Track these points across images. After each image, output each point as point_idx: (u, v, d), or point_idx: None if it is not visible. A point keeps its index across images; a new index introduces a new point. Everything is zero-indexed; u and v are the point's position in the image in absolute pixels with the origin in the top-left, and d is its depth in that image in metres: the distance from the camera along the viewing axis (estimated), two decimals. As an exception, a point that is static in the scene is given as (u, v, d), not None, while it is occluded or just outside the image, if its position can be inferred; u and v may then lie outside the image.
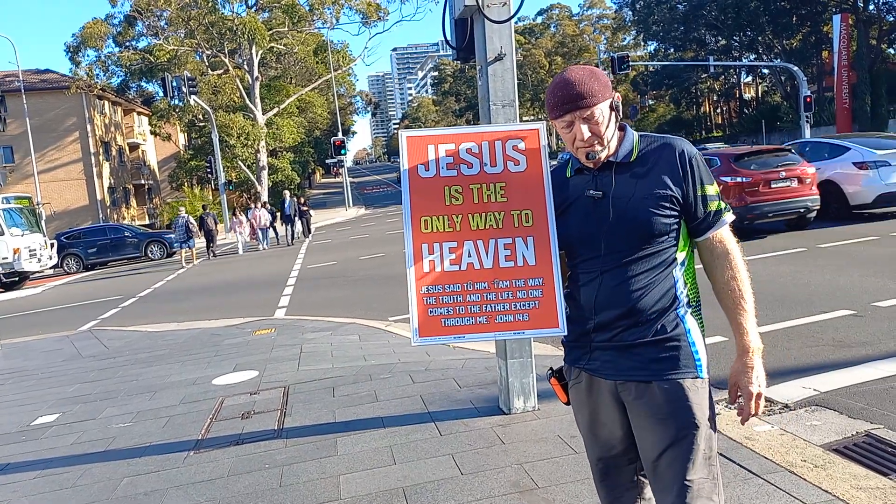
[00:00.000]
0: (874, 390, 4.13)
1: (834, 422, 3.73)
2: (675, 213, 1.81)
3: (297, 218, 23.25)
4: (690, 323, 1.83)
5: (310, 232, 23.99)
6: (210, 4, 33.59)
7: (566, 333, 1.89)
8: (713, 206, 1.83)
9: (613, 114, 1.81)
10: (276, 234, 23.69)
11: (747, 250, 9.63)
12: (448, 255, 1.89)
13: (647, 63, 55.08)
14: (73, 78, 36.29)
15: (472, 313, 1.88)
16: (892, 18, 41.93)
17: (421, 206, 1.92)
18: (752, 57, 50.20)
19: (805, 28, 45.76)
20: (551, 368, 2.04)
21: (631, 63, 34.66)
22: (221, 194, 29.86)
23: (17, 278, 19.25)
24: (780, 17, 44.42)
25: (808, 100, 32.25)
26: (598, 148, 1.79)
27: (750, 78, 58.22)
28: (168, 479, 3.81)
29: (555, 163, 2.02)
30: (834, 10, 40.70)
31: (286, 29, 35.68)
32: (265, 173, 36.25)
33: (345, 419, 4.47)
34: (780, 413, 3.96)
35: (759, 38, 47.23)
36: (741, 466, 3.17)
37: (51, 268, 21.45)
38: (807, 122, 32.09)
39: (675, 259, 1.82)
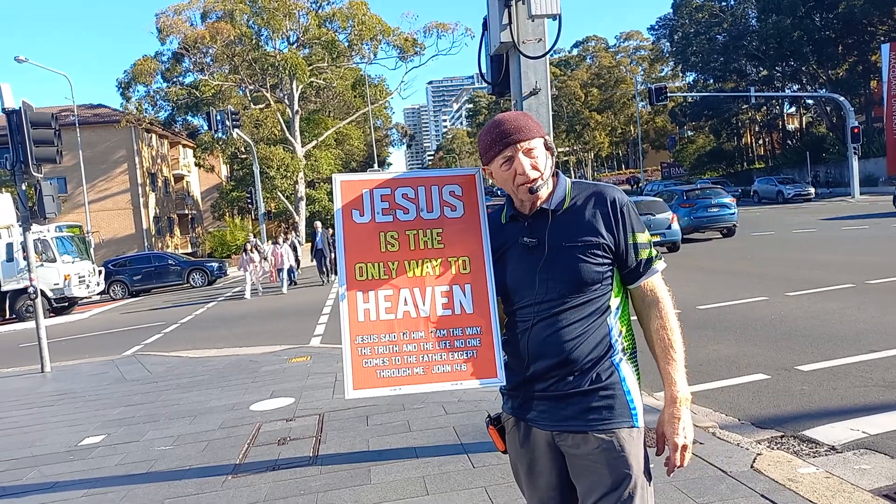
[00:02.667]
0: (927, 432, 3.97)
1: (884, 466, 3.59)
2: (608, 261, 1.81)
3: (333, 252, 20.82)
4: (626, 371, 1.82)
5: None
6: (253, 42, 34.86)
7: (504, 383, 1.85)
8: (644, 255, 1.83)
9: (549, 154, 1.83)
10: (293, 276, 19.96)
11: (795, 285, 9.44)
12: (384, 304, 1.83)
13: (685, 94, 54.76)
14: (123, 112, 37.87)
15: (409, 363, 1.81)
16: (942, 47, 40.87)
17: (355, 252, 1.85)
18: (796, 87, 49.40)
19: (852, 57, 44.85)
20: (489, 415, 2.00)
21: (669, 94, 34.46)
22: (261, 224, 30.56)
23: (66, 303, 19.93)
24: (824, 46, 43.63)
25: (856, 130, 31.50)
26: (539, 182, 1.78)
27: (793, 109, 57.27)
28: (207, 501, 3.87)
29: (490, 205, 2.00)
30: (882, 38, 39.86)
31: (326, 64, 36.71)
32: (303, 204, 36.99)
33: (378, 448, 4.48)
34: (826, 455, 3.83)
35: (803, 68, 46.48)
36: (785, 508, 3.07)
37: (98, 294, 22.15)
38: (854, 153, 31.28)
39: (610, 306, 1.82)
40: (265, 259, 19.54)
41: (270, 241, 21.16)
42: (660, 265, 1.87)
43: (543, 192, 1.82)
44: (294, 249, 20.16)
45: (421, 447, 4.41)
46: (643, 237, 1.84)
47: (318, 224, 20.68)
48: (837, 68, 45.52)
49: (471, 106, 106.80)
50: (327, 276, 19.43)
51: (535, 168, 1.78)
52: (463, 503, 3.50)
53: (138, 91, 37.04)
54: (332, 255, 20.37)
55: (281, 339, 10.15)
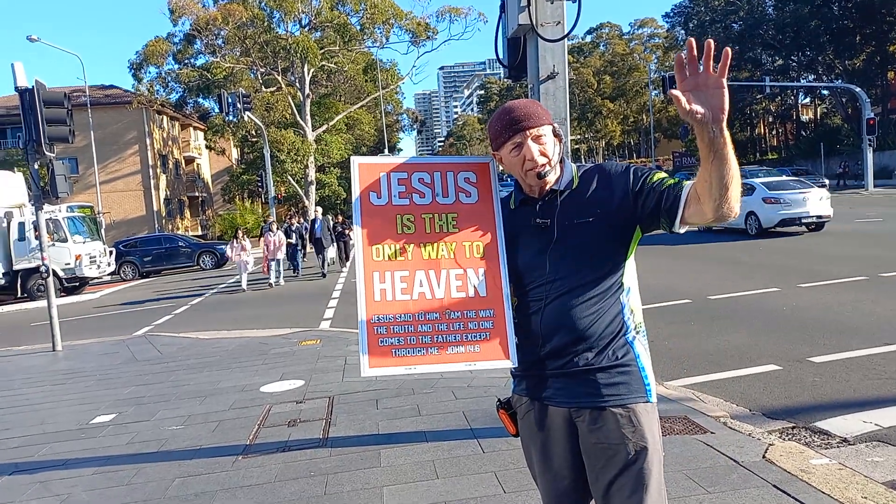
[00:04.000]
0: (942, 426, 3.93)
1: (897, 458, 3.56)
2: (622, 235, 1.81)
3: (333, 241, 18.22)
4: (639, 348, 1.84)
5: (348, 258, 18.36)
6: (265, 24, 34.68)
7: (516, 365, 1.87)
8: (671, 181, 1.78)
9: (557, 140, 1.85)
10: (297, 265, 17.62)
11: (808, 276, 9.33)
12: (399, 284, 1.86)
13: (699, 83, 54.07)
14: (135, 93, 37.86)
15: (424, 343, 1.84)
16: (961, 38, 40.26)
17: (373, 234, 1.89)
18: (812, 77, 48.73)
19: (869, 48, 44.15)
20: (499, 400, 2.03)
21: (682, 83, 34.00)
22: (271, 208, 30.62)
23: (77, 283, 20.06)
24: (842, 36, 42.97)
25: (872, 122, 31.03)
26: (547, 168, 1.81)
27: (808, 99, 56.52)
28: (218, 481, 3.90)
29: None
30: (899, 29, 39.31)
31: (337, 48, 36.50)
32: (313, 188, 36.98)
33: (388, 431, 4.50)
34: (838, 447, 3.81)
35: (819, 57, 45.82)
36: (796, 500, 3.05)
37: (109, 274, 22.29)
38: (869, 145, 30.88)
39: (622, 285, 1.83)
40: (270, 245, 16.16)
41: (245, 232, 16.96)
42: (690, 182, 1.74)
43: (551, 178, 1.85)
44: (301, 237, 17.99)
45: (431, 431, 4.42)
46: (661, 174, 1.81)
47: (318, 210, 18.68)
48: (854, 58, 44.84)
49: (482, 92, 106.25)
50: (325, 265, 17.06)
51: (543, 154, 1.81)
52: (473, 487, 3.51)
53: (150, 72, 36.97)
54: (338, 244, 18.44)
55: (291, 321, 10.19)
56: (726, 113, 1.49)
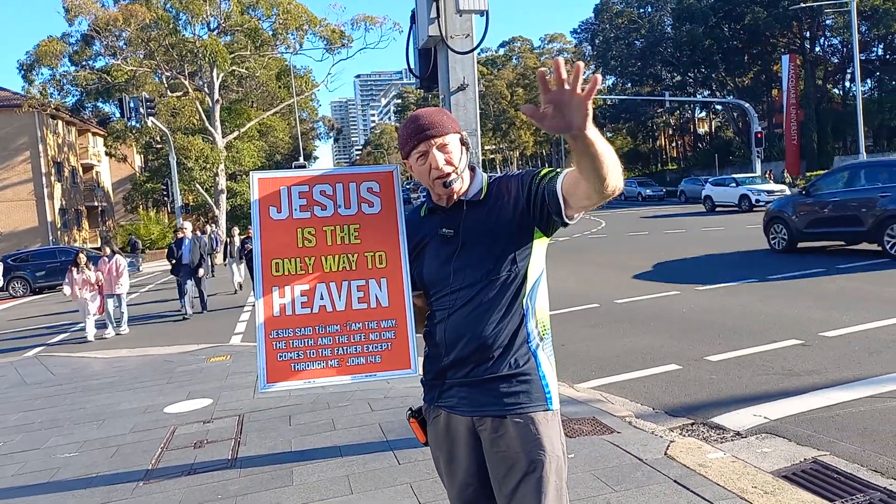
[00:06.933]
0: (821, 418, 4.27)
1: (783, 449, 3.83)
2: (524, 242, 1.83)
3: (242, 260, 14.81)
4: (541, 356, 1.87)
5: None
6: (171, 26, 33.22)
7: (419, 374, 1.90)
8: (549, 175, 1.81)
9: (464, 149, 1.87)
10: (203, 298, 12.85)
11: (699, 282, 9.91)
12: (299, 298, 1.86)
13: (605, 97, 56.63)
14: (25, 96, 35.25)
15: (323, 356, 1.85)
16: (836, 60, 44.19)
17: (272, 248, 1.87)
18: (706, 93, 52.13)
19: (756, 67, 47.83)
20: (410, 409, 2.05)
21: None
22: (177, 217, 29.26)
23: (-43, 302, 18.39)
24: (732, 55, 46.33)
25: (759, 135, 33.63)
26: (453, 176, 1.82)
27: (704, 113, 60.35)
28: (114, 512, 3.66)
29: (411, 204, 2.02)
30: (783, 50, 42.71)
31: (248, 53, 35.50)
32: (223, 197, 35.69)
33: (301, 448, 4.38)
34: (732, 440, 4.06)
35: (713, 75, 49.11)
36: (695, 493, 3.23)
37: (-5, 291, 20.58)
38: (758, 156, 33.36)
39: (526, 293, 1.86)
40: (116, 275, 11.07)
41: (89, 262, 11.33)
42: (567, 169, 1.77)
43: (459, 186, 1.85)
44: (207, 253, 13.53)
45: (346, 445, 4.35)
46: (546, 170, 1.85)
47: (187, 226, 13.47)
48: (743, 76, 48.39)
49: (399, 101, 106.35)
50: (185, 300, 12.47)
51: (448, 163, 1.82)
52: (388, 500, 3.47)
53: (43, 74, 34.61)
54: (241, 262, 14.87)
55: (199, 337, 9.76)
56: (588, 127, 1.47)
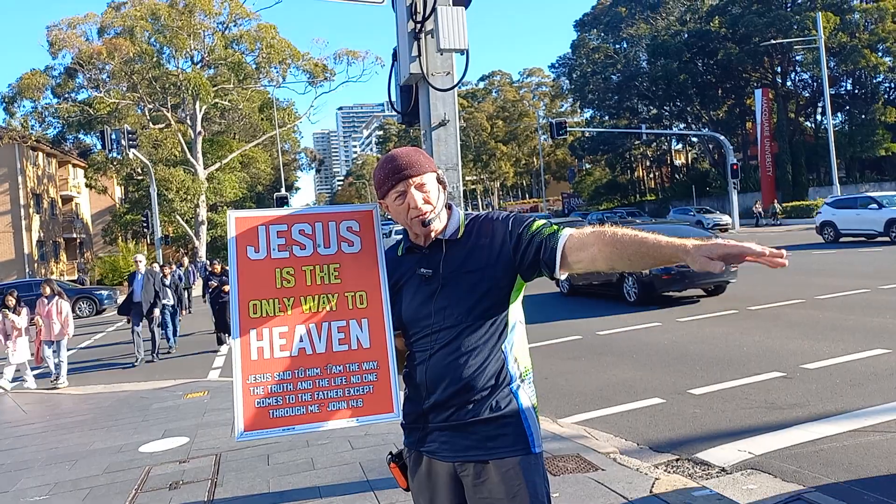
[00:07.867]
0: (806, 453, 4.26)
1: (769, 485, 3.81)
2: (506, 283, 1.81)
3: (170, 312, 11.98)
4: (523, 398, 1.84)
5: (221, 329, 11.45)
6: (154, 60, 33.35)
7: (401, 418, 1.86)
8: (549, 231, 1.79)
9: (441, 187, 1.86)
10: (170, 338, 11.95)
11: (679, 313, 9.98)
12: (278, 341, 1.80)
13: (583, 129, 57.54)
14: (6, 128, 34.99)
15: (303, 402, 1.78)
16: (807, 94, 45.49)
17: (250, 289, 1.82)
18: (682, 126, 53.25)
19: (730, 100, 49.06)
20: (391, 453, 2.02)
21: (568, 129, 35.97)
22: (157, 249, 28.93)
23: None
24: (706, 89, 47.55)
25: (735, 167, 34.30)
26: (431, 216, 1.81)
27: (680, 145, 61.57)
28: (83, 561, 3.51)
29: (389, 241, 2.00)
30: (755, 84, 43.91)
31: (231, 86, 35.68)
32: (204, 228, 35.44)
33: (279, 489, 4.27)
34: (717, 477, 4.03)
35: (688, 108, 50.25)
36: (681, 532, 3.18)
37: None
38: (734, 188, 33.97)
39: (506, 334, 1.84)
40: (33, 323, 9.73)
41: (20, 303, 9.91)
42: (568, 229, 1.78)
43: (437, 225, 1.84)
44: (175, 289, 12.48)
45: (325, 486, 4.24)
46: (539, 222, 1.83)
47: (140, 259, 11.52)
48: (718, 110, 49.58)
49: (381, 133, 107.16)
50: (154, 350, 11.11)
51: (427, 202, 1.81)
52: (369, 544, 3.38)
53: (24, 106, 34.44)
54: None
55: (176, 372, 9.56)
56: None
